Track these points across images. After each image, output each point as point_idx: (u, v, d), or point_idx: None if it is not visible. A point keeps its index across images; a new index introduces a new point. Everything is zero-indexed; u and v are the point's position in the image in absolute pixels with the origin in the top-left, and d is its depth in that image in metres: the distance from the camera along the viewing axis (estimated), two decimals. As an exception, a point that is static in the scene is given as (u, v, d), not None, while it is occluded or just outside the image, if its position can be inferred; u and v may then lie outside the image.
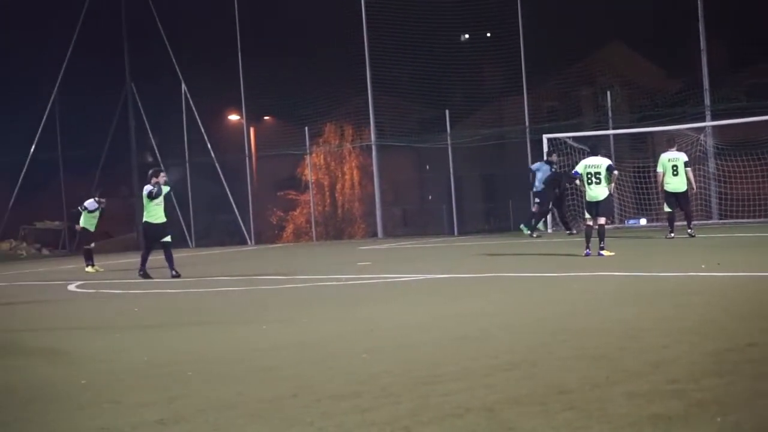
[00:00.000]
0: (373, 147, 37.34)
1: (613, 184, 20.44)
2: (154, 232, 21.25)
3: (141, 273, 21.33)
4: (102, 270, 25.97)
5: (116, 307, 16.71)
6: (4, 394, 8.65)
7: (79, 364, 10.14)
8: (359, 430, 6.27)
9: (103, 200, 26.70)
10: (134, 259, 31.10)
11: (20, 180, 39.53)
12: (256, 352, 10.10)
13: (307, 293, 16.61)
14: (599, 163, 20.10)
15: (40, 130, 40.13)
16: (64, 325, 14.13)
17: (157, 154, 41.20)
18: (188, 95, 40.36)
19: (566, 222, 29.67)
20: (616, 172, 20.90)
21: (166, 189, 21.34)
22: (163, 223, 21.26)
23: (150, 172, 21.87)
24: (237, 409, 7.25)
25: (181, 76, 40.36)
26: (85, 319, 14.98)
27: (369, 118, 37.15)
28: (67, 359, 10.60)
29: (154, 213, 21.07)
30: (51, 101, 40.44)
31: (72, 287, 20.85)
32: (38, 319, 15.22)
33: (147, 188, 21.10)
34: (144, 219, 21.34)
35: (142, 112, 42.09)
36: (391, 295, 15.41)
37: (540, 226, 30.10)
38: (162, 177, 21.28)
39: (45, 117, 40.31)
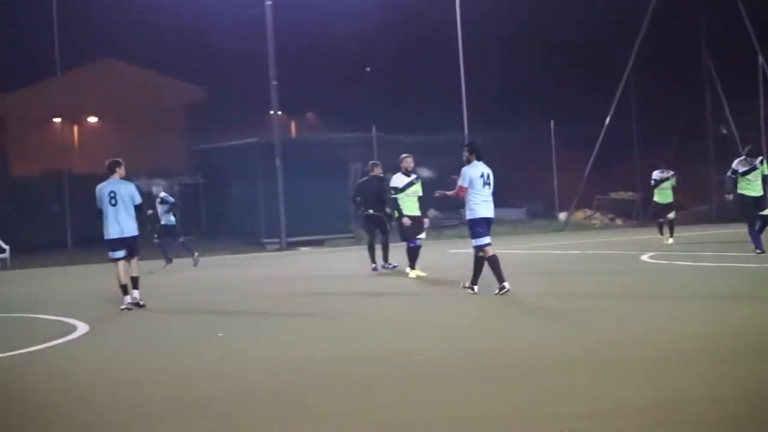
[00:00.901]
0: None
1: None
2: (748, 205, 20.74)
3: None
4: (673, 243, 25.87)
5: (679, 279, 16.98)
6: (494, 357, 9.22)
7: (584, 332, 10.61)
8: None
9: (670, 171, 26.72)
10: (709, 231, 31.06)
11: (595, 151, 40.59)
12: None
13: None
14: None
15: (615, 101, 40.97)
16: (623, 294, 14.67)
17: (733, 127, 40.57)
18: (765, 66, 39.32)
19: None
20: None
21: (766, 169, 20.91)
22: (759, 197, 20.65)
23: (746, 149, 21.50)
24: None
25: (757, 47, 39.39)
26: (649, 288, 15.43)
27: None
28: (578, 327, 11.17)
29: (745, 186, 20.73)
30: (626, 74, 41.14)
31: (645, 257, 21.37)
32: (604, 287, 15.95)
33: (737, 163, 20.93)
34: (739, 191, 21.01)
35: (718, 84, 41.64)
36: None
37: None
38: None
39: (620, 89, 41.08)
